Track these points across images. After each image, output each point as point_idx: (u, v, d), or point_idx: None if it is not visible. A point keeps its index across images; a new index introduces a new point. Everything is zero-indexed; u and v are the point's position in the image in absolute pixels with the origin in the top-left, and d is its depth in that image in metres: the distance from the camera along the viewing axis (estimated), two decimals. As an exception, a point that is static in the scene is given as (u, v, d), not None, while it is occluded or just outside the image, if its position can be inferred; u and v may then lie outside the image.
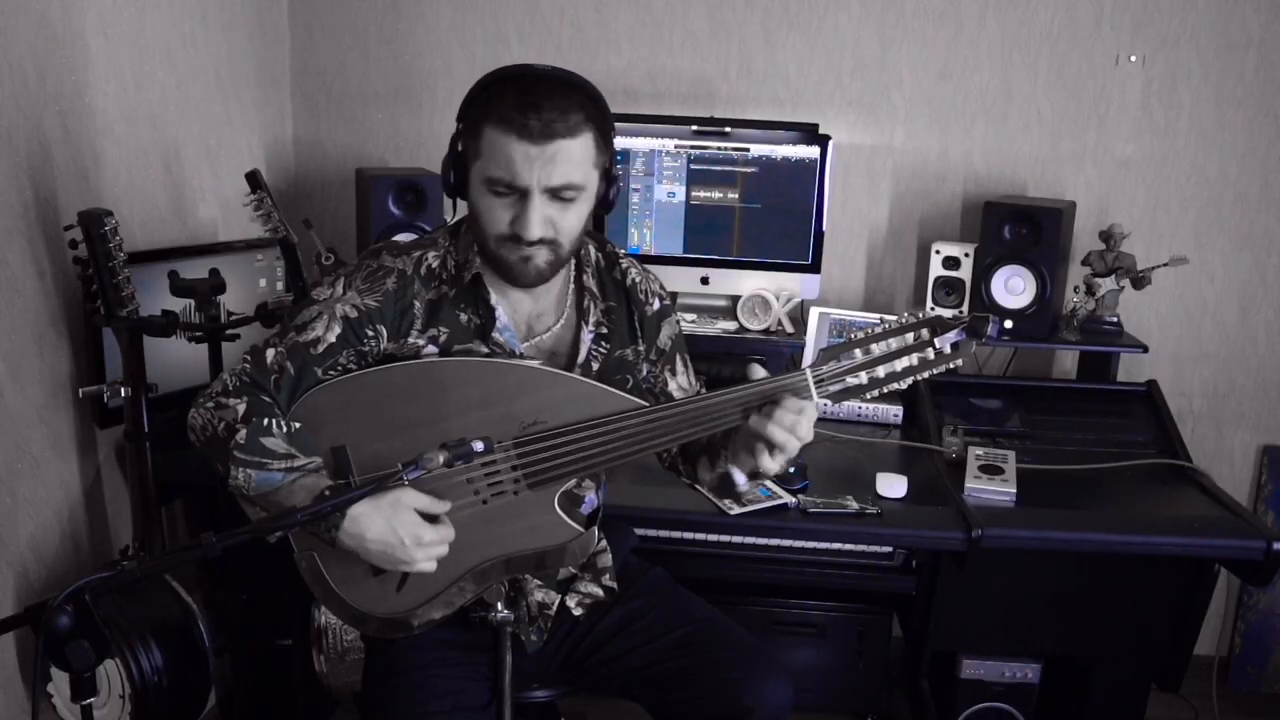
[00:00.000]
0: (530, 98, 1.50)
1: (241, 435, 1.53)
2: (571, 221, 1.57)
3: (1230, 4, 2.74)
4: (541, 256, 1.57)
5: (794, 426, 1.51)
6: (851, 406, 2.57)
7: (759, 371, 1.56)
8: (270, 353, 1.59)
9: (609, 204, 1.65)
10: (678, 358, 1.83)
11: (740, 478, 1.66)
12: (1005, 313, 2.63)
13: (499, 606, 1.61)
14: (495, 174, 1.52)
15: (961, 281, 2.70)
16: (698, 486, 1.82)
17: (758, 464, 1.57)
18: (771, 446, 1.53)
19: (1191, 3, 2.76)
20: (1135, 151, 2.85)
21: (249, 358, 1.60)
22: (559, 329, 1.71)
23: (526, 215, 1.53)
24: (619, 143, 1.72)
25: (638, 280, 1.77)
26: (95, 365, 2.18)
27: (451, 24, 2.96)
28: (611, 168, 1.62)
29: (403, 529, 1.50)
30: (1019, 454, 2.31)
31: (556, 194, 1.53)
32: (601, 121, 1.56)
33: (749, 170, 2.73)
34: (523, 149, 1.50)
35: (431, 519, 1.53)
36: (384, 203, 2.59)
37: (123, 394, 2.10)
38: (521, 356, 1.65)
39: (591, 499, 1.77)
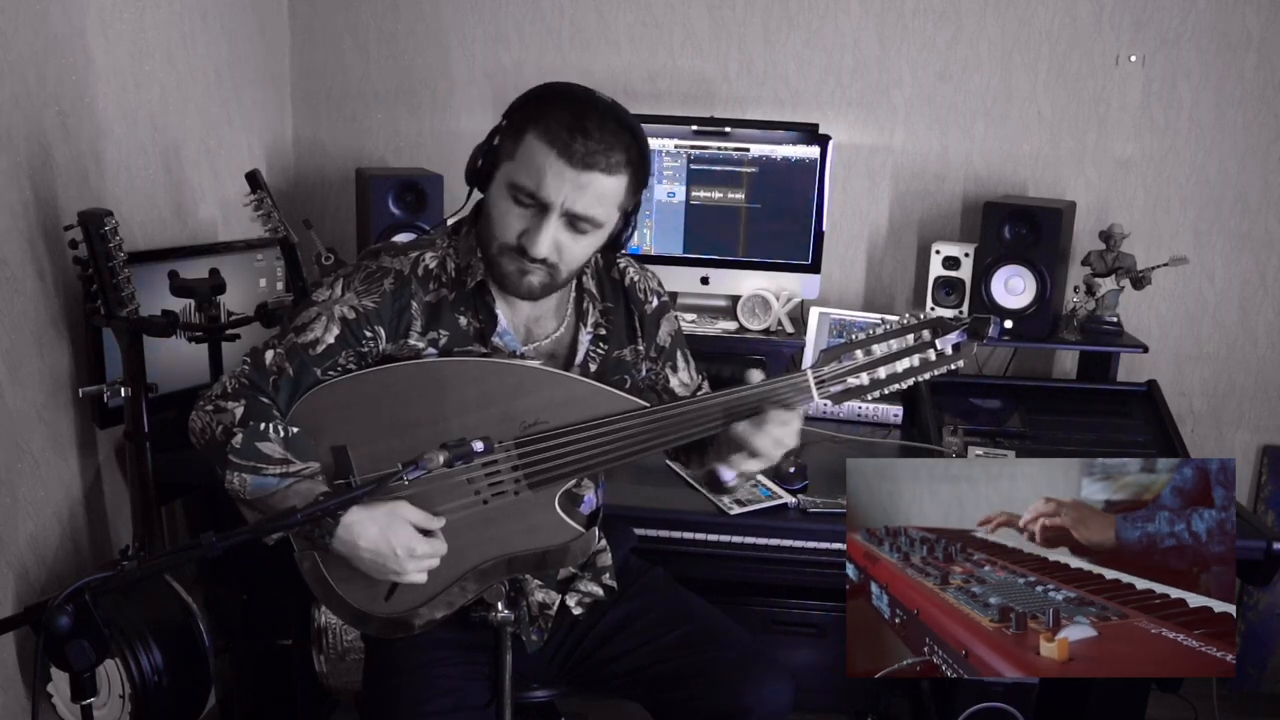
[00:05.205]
0: (582, 121, 1.48)
1: (237, 439, 1.53)
2: (578, 252, 1.56)
3: (1230, 4, 2.74)
4: (537, 277, 1.56)
5: (781, 439, 1.54)
6: (852, 407, 2.57)
7: (757, 376, 1.57)
8: (269, 354, 1.59)
9: (619, 244, 1.64)
10: (678, 353, 1.84)
11: (728, 475, 1.68)
12: (1005, 313, 2.63)
13: (499, 606, 1.61)
14: (522, 180, 1.51)
15: (961, 281, 2.70)
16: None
17: (743, 466, 1.59)
18: (755, 455, 1.55)
19: (1191, 3, 2.76)
20: (1135, 151, 2.85)
21: (248, 360, 1.60)
22: (559, 333, 1.71)
23: (538, 233, 1.51)
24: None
25: (636, 279, 1.77)
26: (95, 365, 2.18)
27: (451, 24, 2.96)
28: (635, 211, 1.61)
29: (396, 540, 1.51)
30: (1019, 454, 2.31)
31: (573, 220, 1.52)
32: (640, 167, 1.55)
33: (749, 170, 2.72)
34: (558, 167, 1.48)
35: (426, 533, 1.54)
36: (384, 203, 2.59)
37: (123, 394, 2.10)
38: (522, 357, 1.65)
39: (591, 499, 1.77)
